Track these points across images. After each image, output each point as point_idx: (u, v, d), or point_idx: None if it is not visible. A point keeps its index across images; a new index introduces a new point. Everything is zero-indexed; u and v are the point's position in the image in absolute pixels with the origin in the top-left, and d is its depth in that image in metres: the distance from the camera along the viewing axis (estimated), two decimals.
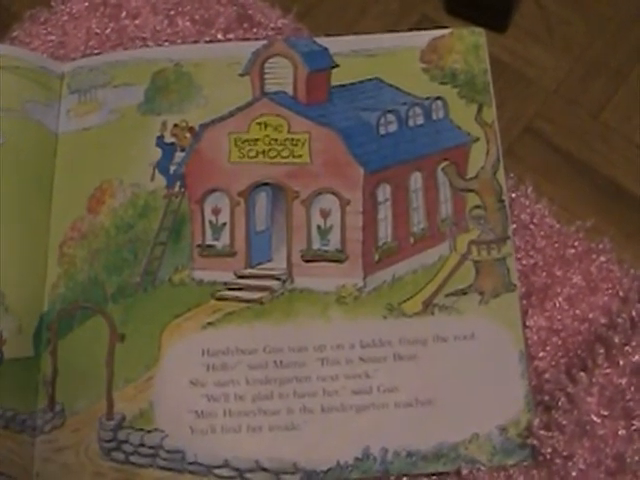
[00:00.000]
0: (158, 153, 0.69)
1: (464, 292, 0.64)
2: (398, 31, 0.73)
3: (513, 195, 0.68)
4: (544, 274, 0.65)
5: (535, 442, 0.58)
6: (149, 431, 0.61)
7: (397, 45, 0.71)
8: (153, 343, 0.63)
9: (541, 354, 0.62)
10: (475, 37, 0.71)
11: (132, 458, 0.61)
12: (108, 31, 0.75)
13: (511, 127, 0.70)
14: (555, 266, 0.65)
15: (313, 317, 0.63)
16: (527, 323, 0.63)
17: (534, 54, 0.76)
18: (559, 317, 0.63)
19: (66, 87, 0.72)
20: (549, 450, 0.58)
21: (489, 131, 0.68)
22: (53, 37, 0.76)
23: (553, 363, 0.62)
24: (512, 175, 0.68)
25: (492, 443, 0.59)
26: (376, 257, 0.65)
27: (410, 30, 0.73)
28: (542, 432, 0.58)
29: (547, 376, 0.61)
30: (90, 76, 0.72)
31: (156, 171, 0.68)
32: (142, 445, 0.61)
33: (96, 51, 0.75)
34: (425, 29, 0.72)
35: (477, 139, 0.68)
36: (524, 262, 0.65)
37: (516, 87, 0.75)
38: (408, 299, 0.63)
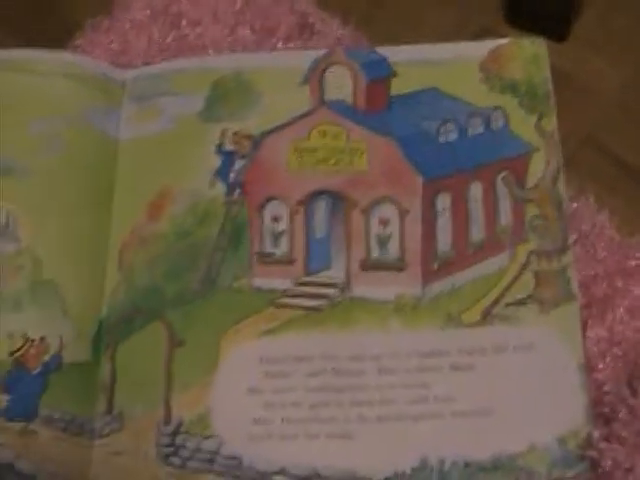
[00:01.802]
0: (217, 161, 0.69)
1: (523, 302, 0.63)
2: (457, 41, 0.72)
3: (574, 205, 0.67)
4: (605, 285, 0.64)
5: (595, 454, 0.57)
6: (206, 437, 0.61)
7: (456, 55, 0.71)
8: (212, 349, 0.63)
9: (601, 366, 0.61)
10: (536, 47, 0.70)
11: (189, 463, 0.61)
12: (169, 39, 0.76)
13: (571, 137, 0.69)
14: (616, 277, 0.64)
15: (371, 326, 0.63)
16: (587, 334, 0.62)
17: (594, 64, 0.76)
18: (619, 329, 0.62)
19: (127, 95, 0.73)
20: (609, 462, 0.57)
21: (549, 141, 0.67)
22: (115, 45, 0.76)
23: (613, 375, 0.61)
24: (572, 185, 0.67)
25: (551, 455, 0.58)
26: (435, 266, 0.64)
27: (469, 40, 0.72)
28: (602, 444, 0.58)
29: (607, 388, 0.60)
30: (151, 84, 0.73)
31: (216, 178, 0.68)
32: (199, 450, 0.61)
33: (157, 59, 0.75)
34: (485, 39, 0.71)
35: (537, 149, 0.67)
36: (584, 273, 0.64)
37: (576, 97, 0.74)
38: (467, 309, 0.63)
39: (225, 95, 0.71)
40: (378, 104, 0.69)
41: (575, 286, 0.63)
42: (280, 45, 0.75)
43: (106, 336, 0.65)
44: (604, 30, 0.84)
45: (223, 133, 0.70)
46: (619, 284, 0.64)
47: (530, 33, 0.71)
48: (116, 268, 0.67)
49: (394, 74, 0.70)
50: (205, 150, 0.69)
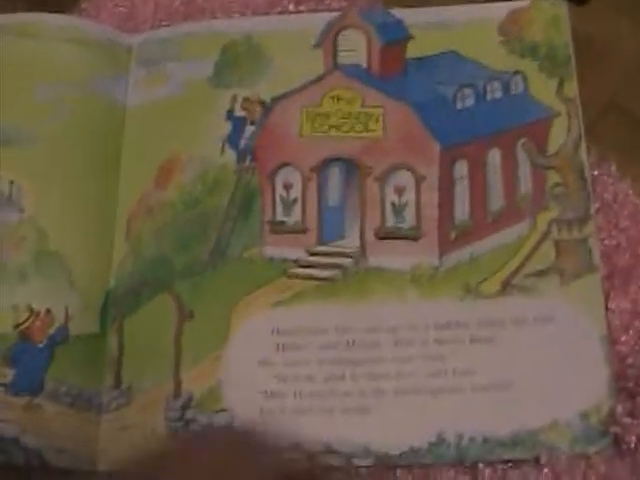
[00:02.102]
0: (228, 127, 0.67)
1: (544, 273, 0.61)
2: (475, 2, 0.70)
3: (595, 173, 0.65)
4: (627, 255, 0.62)
5: (618, 430, 0.56)
6: (217, 411, 0.60)
7: (474, 17, 0.69)
8: (222, 321, 0.62)
9: (623, 338, 0.60)
10: (556, 8, 0.68)
11: None
12: (177, 3, 0.74)
13: (593, 103, 0.67)
14: (639, 247, 0.62)
15: (387, 297, 0.61)
16: (609, 306, 0.60)
17: (617, 26, 0.73)
18: None
19: (134, 59, 0.71)
20: (633, 438, 0.56)
21: (571, 106, 0.65)
22: (121, 9, 0.75)
23: (637, 348, 0.60)
24: (594, 152, 0.65)
25: (572, 430, 0.57)
26: (452, 235, 0.63)
27: (487, 1, 0.70)
28: (626, 419, 0.56)
29: (630, 361, 0.59)
30: (159, 48, 0.71)
31: (226, 145, 0.67)
32: (210, 425, 0.59)
33: (164, 23, 0.73)
34: (503, 0, 0.69)
35: (558, 114, 0.65)
36: (606, 242, 0.63)
37: (598, 61, 0.72)
38: (486, 279, 0.61)
39: (235, 60, 0.70)
40: (393, 68, 0.67)
41: (597, 256, 0.61)
42: (291, 8, 0.73)
43: (113, 308, 0.64)
44: None
45: (233, 98, 0.68)
46: None
47: None
48: (124, 238, 0.66)
49: (410, 37, 0.68)
50: (215, 116, 0.68)
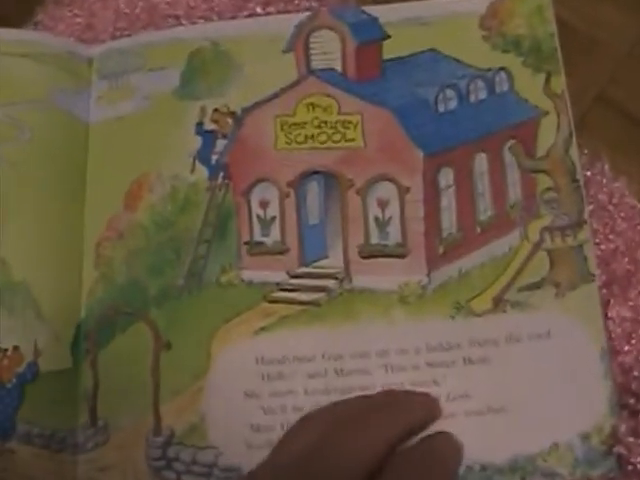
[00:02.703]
0: (198, 142, 0.64)
1: (538, 286, 0.58)
2: None
3: (588, 173, 0.62)
4: (626, 260, 0.60)
5: (622, 450, 0.54)
6: (202, 447, 0.57)
7: (453, 11, 0.65)
8: (202, 351, 0.59)
9: (626, 348, 0.57)
10: None
11: (184, 477, 0.57)
12: (138, 10, 0.71)
13: (581, 97, 0.64)
14: (638, 250, 0.60)
15: (375, 319, 0.59)
16: (609, 314, 0.58)
17: (603, 13, 0.69)
18: None
19: (95, 72, 0.68)
20: (638, 459, 0.54)
21: (559, 103, 0.62)
22: (79, 19, 0.72)
23: None
24: (585, 151, 0.62)
25: (573, 453, 0.55)
26: (440, 250, 0.60)
27: None
28: (629, 439, 0.54)
29: (636, 373, 0.56)
30: (121, 60, 0.68)
31: (196, 161, 0.64)
32: (195, 463, 0.57)
33: (126, 32, 0.70)
34: None
35: (546, 113, 0.62)
36: (603, 247, 0.60)
37: (584, 51, 0.69)
38: (477, 296, 0.59)
39: (202, 69, 0.67)
40: (371, 70, 0.63)
41: (593, 265, 0.59)
42: (259, 10, 0.69)
43: (86, 340, 0.61)
44: None
45: (202, 111, 0.65)
46: None
47: None
48: (93, 265, 0.63)
49: (386, 36, 0.64)
50: (183, 130, 0.65)
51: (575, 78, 0.63)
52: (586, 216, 0.60)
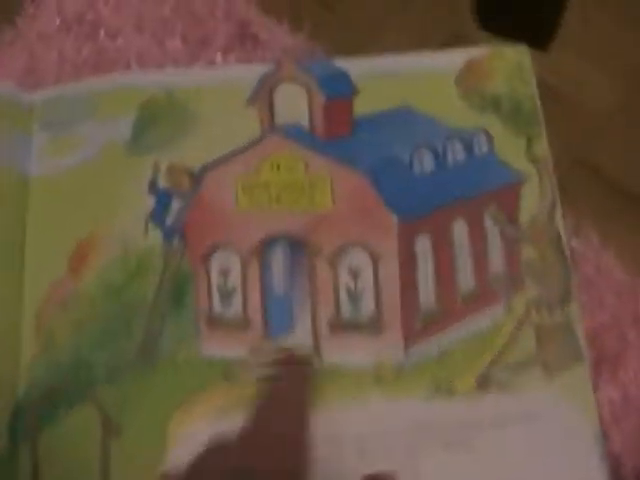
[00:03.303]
0: (151, 201, 0.60)
1: (524, 365, 0.55)
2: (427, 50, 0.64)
3: (573, 244, 0.59)
4: (615, 336, 0.57)
5: None
6: None
7: (429, 66, 0.63)
8: (157, 436, 0.55)
9: (616, 436, 0.54)
10: (518, 56, 0.63)
11: None
12: (85, 54, 0.67)
13: (561, 160, 0.61)
14: (627, 327, 0.57)
15: (347, 402, 0.55)
16: (596, 396, 0.55)
17: (583, 73, 0.67)
18: (634, 390, 0.56)
19: (37, 121, 0.63)
20: None
21: (542, 168, 0.60)
22: (19, 62, 0.67)
23: (632, 446, 0.54)
24: (570, 218, 0.59)
25: None
26: (418, 325, 0.56)
27: (441, 48, 0.64)
28: None
29: (625, 462, 0.54)
30: (65, 108, 0.63)
31: (150, 223, 0.60)
32: None
33: (70, 77, 0.66)
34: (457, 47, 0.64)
35: (528, 177, 0.59)
36: (590, 322, 0.57)
37: (564, 113, 0.66)
38: (458, 375, 0.55)
39: (155, 120, 0.63)
40: (340, 128, 0.60)
41: (583, 343, 0.56)
42: (218, 58, 0.66)
43: (24, 421, 0.56)
44: (591, 34, 0.75)
45: (155, 166, 0.61)
46: (631, 334, 0.57)
47: (508, 39, 0.63)
48: (33, 337, 0.58)
49: (357, 91, 0.61)
50: (135, 188, 0.61)
51: (555, 140, 0.60)
52: (574, 290, 0.57)
